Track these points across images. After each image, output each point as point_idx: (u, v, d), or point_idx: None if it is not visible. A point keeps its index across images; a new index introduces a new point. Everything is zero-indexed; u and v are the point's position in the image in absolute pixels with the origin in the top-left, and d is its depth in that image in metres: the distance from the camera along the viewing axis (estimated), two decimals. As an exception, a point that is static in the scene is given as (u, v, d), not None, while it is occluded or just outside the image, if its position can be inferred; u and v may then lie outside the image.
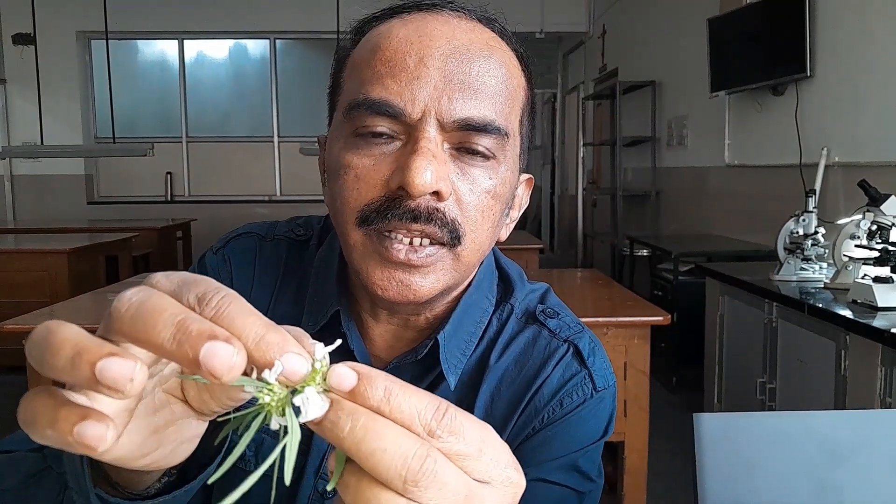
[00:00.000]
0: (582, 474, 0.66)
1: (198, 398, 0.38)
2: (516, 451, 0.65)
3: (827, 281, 2.51)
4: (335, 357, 0.32)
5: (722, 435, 0.97)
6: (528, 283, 0.75)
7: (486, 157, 0.58)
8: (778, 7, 3.49)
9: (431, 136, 0.55)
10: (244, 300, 0.32)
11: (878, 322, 1.94)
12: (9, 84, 7.02)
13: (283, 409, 0.31)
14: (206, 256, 0.74)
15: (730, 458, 0.97)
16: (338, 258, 0.68)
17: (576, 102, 8.03)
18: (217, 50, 7.78)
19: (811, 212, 2.63)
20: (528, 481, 0.62)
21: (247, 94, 7.78)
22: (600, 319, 2.21)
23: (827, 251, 2.59)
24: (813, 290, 2.45)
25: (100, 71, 7.06)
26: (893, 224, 2.22)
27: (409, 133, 0.56)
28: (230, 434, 0.35)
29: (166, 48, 7.67)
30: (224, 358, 0.29)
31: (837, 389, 2.13)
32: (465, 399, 0.66)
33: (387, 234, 0.57)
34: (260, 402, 0.31)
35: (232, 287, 0.33)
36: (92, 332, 0.32)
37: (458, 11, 0.60)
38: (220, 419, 0.36)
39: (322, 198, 0.66)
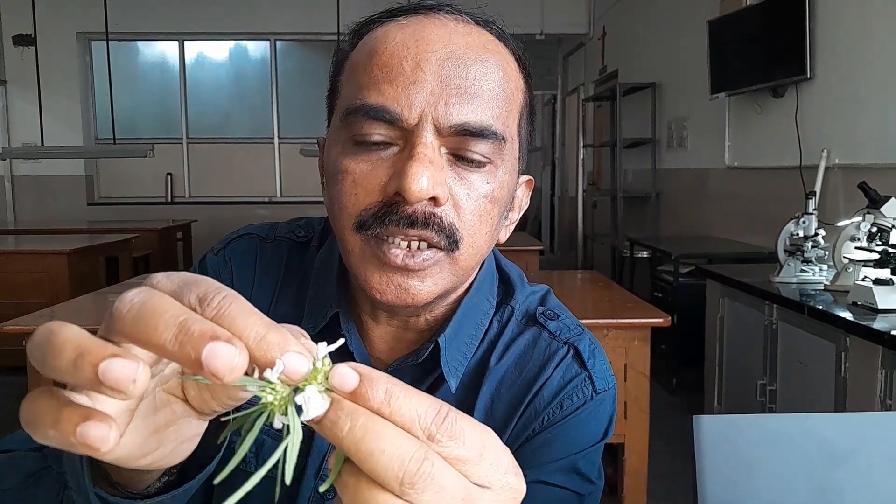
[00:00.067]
0: (582, 476, 0.66)
1: (198, 398, 0.38)
2: (516, 453, 0.65)
3: (827, 283, 2.51)
4: (335, 360, 0.33)
5: (721, 437, 0.97)
6: (529, 285, 0.75)
7: (483, 162, 0.58)
8: (778, 9, 3.49)
9: (428, 142, 0.55)
10: (245, 300, 0.33)
11: (879, 324, 1.94)
12: (9, 85, 7.02)
13: (286, 408, 0.31)
14: (206, 258, 0.74)
15: (729, 460, 0.97)
16: (338, 260, 0.68)
17: (576, 104, 8.03)
18: (217, 51, 7.79)
19: (811, 214, 2.63)
20: (527, 483, 0.62)
21: (247, 95, 7.78)
22: (600, 321, 2.21)
23: (827, 253, 2.59)
24: (813, 292, 2.45)
25: (100, 72, 7.06)
26: (894, 226, 2.22)
27: (407, 138, 0.56)
28: (227, 429, 0.35)
29: (167, 49, 7.67)
30: (226, 358, 0.29)
31: (838, 391, 2.13)
32: (465, 401, 0.66)
33: (384, 238, 0.57)
34: (262, 401, 0.31)
35: (233, 288, 0.33)
36: (93, 333, 0.33)
37: (456, 14, 0.60)
38: (221, 419, 0.36)
39: (322, 199, 0.66)
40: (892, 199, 2.27)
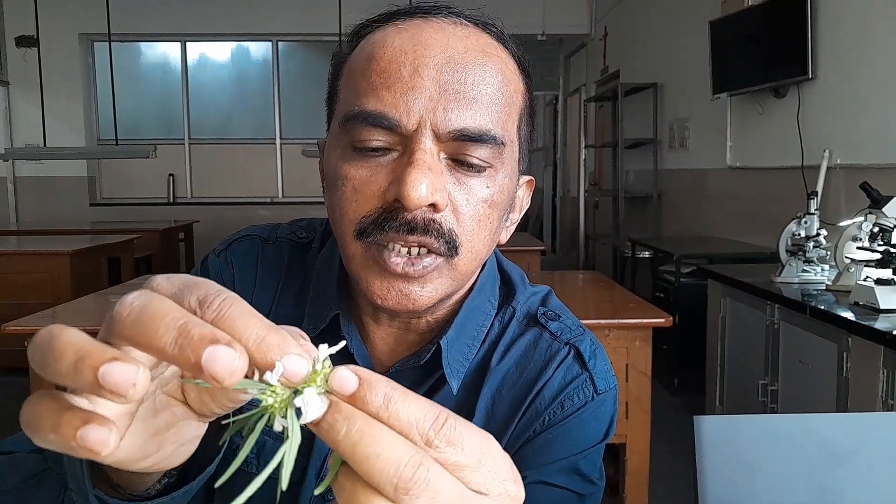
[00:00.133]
0: (583, 477, 0.66)
1: (198, 400, 0.38)
2: (517, 453, 0.65)
3: (829, 283, 2.50)
4: (335, 362, 0.33)
5: (722, 437, 0.97)
6: (530, 286, 0.75)
7: (482, 166, 0.58)
8: (779, 9, 3.49)
9: (427, 148, 0.55)
10: (245, 302, 0.33)
11: (880, 324, 1.94)
12: (12, 86, 7.03)
13: (286, 411, 0.31)
14: (208, 259, 0.75)
15: (730, 460, 0.97)
16: (338, 261, 0.68)
17: (577, 104, 8.03)
18: (219, 52, 7.80)
19: (813, 214, 2.63)
20: (528, 484, 0.62)
21: (249, 96, 7.79)
22: (602, 321, 2.21)
23: (829, 253, 2.59)
24: (815, 292, 2.45)
25: (102, 73, 7.07)
26: (895, 226, 2.22)
27: (405, 144, 0.56)
28: (227, 432, 0.35)
29: (169, 50, 7.68)
30: (225, 362, 0.29)
31: (839, 392, 2.12)
32: (465, 402, 0.67)
33: (385, 245, 0.57)
34: (263, 403, 0.31)
35: (234, 289, 0.33)
36: (94, 334, 0.33)
37: (454, 17, 0.60)
38: (222, 423, 0.36)
39: (323, 200, 0.66)
40: (894, 199, 2.27)
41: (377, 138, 0.56)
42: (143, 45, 7.67)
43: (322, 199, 0.66)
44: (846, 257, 2.38)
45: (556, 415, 0.66)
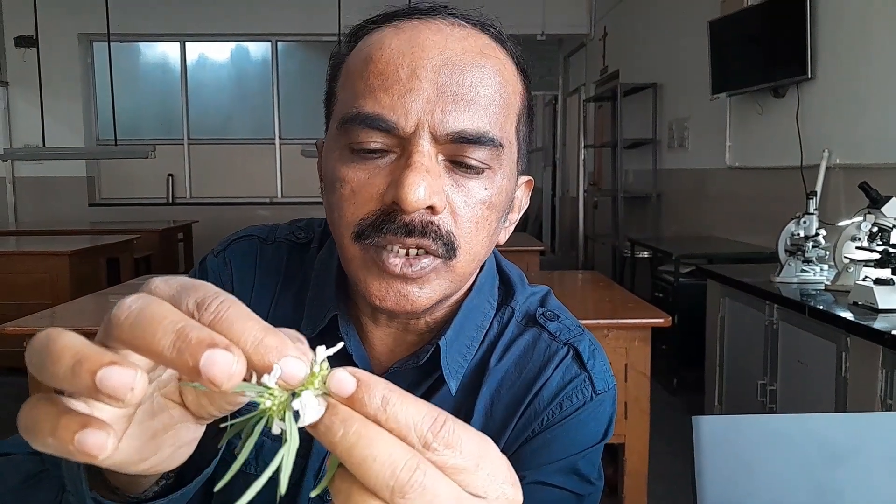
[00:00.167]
0: (581, 477, 0.66)
1: (196, 402, 0.38)
2: (515, 453, 0.65)
3: (828, 283, 2.51)
4: (334, 362, 0.32)
5: (721, 437, 0.97)
6: (529, 286, 0.75)
7: (481, 168, 0.58)
8: (779, 9, 3.49)
9: (425, 150, 0.55)
10: (243, 305, 0.33)
11: (879, 324, 1.94)
12: (11, 86, 7.03)
13: (284, 413, 0.31)
14: (207, 259, 0.74)
15: (729, 460, 0.97)
16: (337, 262, 0.68)
17: (577, 104, 8.03)
18: (218, 52, 7.80)
19: (812, 214, 2.63)
20: (527, 484, 0.62)
21: (248, 96, 7.79)
22: (601, 321, 2.21)
23: (828, 253, 2.59)
24: (814, 292, 2.45)
25: (102, 73, 7.07)
26: (894, 226, 2.22)
27: (403, 146, 0.56)
28: (224, 435, 0.35)
29: (168, 50, 7.68)
30: (224, 366, 0.29)
31: (838, 391, 2.12)
32: (464, 402, 0.67)
33: (383, 247, 0.57)
34: (261, 406, 0.31)
35: (233, 290, 0.33)
36: (93, 334, 0.33)
37: (452, 18, 0.59)
38: (221, 426, 0.36)
39: (322, 200, 0.66)
40: (893, 198, 2.27)
41: (375, 140, 0.56)
42: (142, 45, 7.67)
43: (321, 200, 0.66)
44: (845, 257, 2.38)
45: (554, 415, 0.66)
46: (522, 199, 0.70)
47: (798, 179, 3.33)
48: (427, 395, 0.66)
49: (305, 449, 0.65)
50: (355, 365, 0.65)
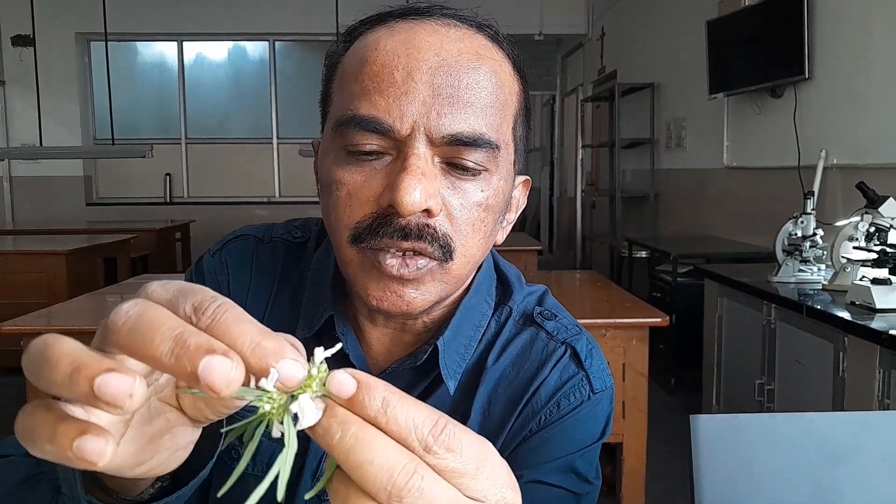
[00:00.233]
0: (579, 476, 0.66)
1: (193, 406, 0.37)
2: (513, 453, 0.65)
3: (825, 283, 2.51)
4: (331, 363, 0.32)
5: (719, 436, 0.97)
6: (527, 286, 0.75)
7: (477, 170, 0.58)
8: (777, 9, 3.49)
9: (420, 153, 0.55)
10: (240, 308, 0.32)
11: (876, 324, 1.95)
12: (8, 86, 7.02)
13: (284, 416, 0.31)
14: (203, 259, 0.74)
15: (727, 459, 0.97)
16: (333, 262, 0.68)
17: (575, 104, 8.04)
18: (216, 51, 7.79)
19: (809, 214, 2.63)
20: (524, 483, 0.62)
21: (246, 95, 7.78)
22: (599, 321, 2.21)
23: (825, 253, 2.59)
24: (811, 292, 2.46)
25: (99, 72, 7.06)
26: (891, 226, 2.22)
27: (399, 149, 0.56)
28: (223, 439, 0.35)
29: (165, 50, 7.67)
30: (222, 372, 0.29)
31: (836, 391, 2.13)
32: (461, 402, 0.66)
33: (379, 249, 0.57)
34: (260, 410, 0.31)
35: (229, 290, 0.33)
36: (91, 334, 0.32)
37: (448, 19, 0.59)
38: (222, 430, 0.36)
39: (319, 201, 0.66)
40: (891, 198, 2.28)
41: (370, 142, 0.56)
42: (139, 44, 7.65)
43: (318, 200, 0.65)
44: (842, 257, 2.38)
45: (552, 414, 0.66)
46: (520, 198, 0.70)
47: (795, 179, 3.34)
48: (424, 395, 0.66)
49: (303, 448, 0.65)
50: (352, 365, 0.65)
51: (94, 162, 7.49)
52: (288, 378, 0.30)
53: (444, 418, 0.32)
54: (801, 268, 2.63)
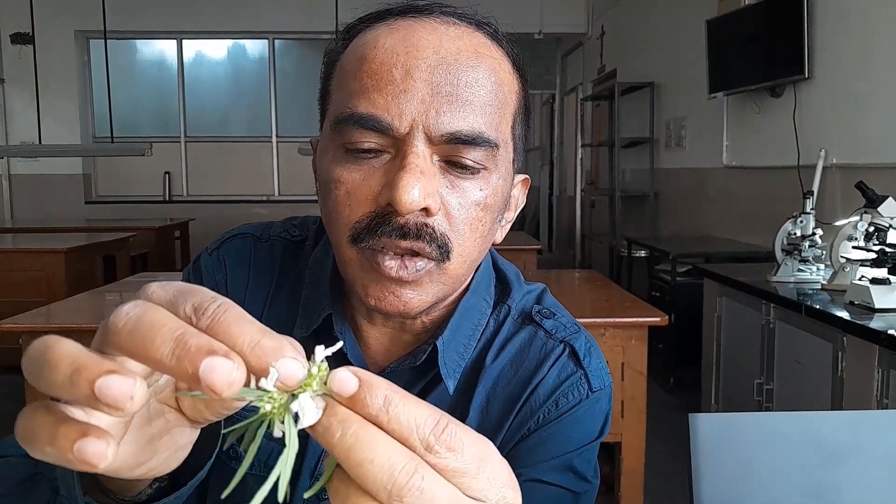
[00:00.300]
0: (577, 475, 0.66)
1: (192, 407, 0.37)
2: (511, 451, 0.65)
3: (824, 282, 2.51)
4: (330, 363, 0.32)
5: (718, 435, 0.97)
6: (525, 284, 0.74)
7: (476, 168, 0.57)
8: (776, 8, 3.49)
9: (419, 151, 0.55)
10: (240, 308, 0.32)
11: (875, 323, 1.95)
12: (7, 83, 7.01)
13: (284, 416, 0.31)
14: (201, 258, 0.74)
15: (726, 458, 0.97)
16: (332, 260, 0.68)
17: (574, 103, 8.04)
18: (216, 50, 7.78)
19: (809, 213, 2.63)
20: (523, 482, 0.62)
21: (245, 93, 7.78)
22: (598, 320, 2.21)
23: (824, 252, 2.60)
24: (810, 292, 2.46)
25: (98, 70, 7.05)
26: (891, 226, 2.22)
27: (398, 147, 0.56)
28: (221, 439, 0.35)
29: (165, 48, 7.67)
30: (223, 373, 0.29)
31: (834, 390, 2.13)
32: (460, 400, 0.66)
33: (378, 250, 0.57)
34: (261, 410, 0.31)
35: (227, 288, 0.33)
36: (90, 332, 0.32)
37: (447, 17, 0.59)
38: (223, 432, 0.36)
39: (317, 199, 0.66)
40: (890, 198, 2.28)
41: (369, 140, 0.56)
42: (139, 42, 7.65)
43: (317, 198, 0.65)
44: (842, 257, 2.38)
45: (550, 413, 0.66)
46: (519, 197, 0.70)
47: (795, 179, 3.34)
48: (423, 394, 0.66)
49: (302, 446, 0.65)
50: (350, 364, 0.65)
51: (93, 160, 7.49)
52: (288, 377, 0.30)
53: (446, 417, 0.32)
54: (801, 267, 2.63)
